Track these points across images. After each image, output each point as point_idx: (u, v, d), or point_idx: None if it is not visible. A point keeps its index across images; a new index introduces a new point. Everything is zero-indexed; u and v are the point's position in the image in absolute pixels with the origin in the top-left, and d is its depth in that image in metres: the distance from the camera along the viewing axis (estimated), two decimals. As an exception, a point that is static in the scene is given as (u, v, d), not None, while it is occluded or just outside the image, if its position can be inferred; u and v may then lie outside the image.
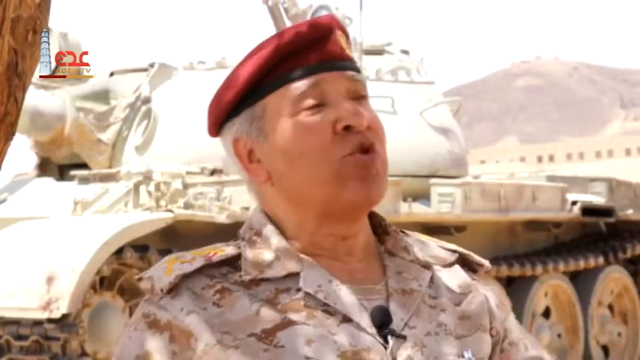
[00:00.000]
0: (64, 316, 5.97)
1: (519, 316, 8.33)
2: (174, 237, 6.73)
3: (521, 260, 8.60)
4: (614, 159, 69.90)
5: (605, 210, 9.27)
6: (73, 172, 7.92)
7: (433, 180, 7.96)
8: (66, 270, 6.00)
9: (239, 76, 1.50)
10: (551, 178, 9.42)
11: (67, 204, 7.11)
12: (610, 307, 9.68)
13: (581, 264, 9.02)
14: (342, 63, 1.50)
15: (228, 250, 1.50)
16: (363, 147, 1.46)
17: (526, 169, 37.03)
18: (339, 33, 1.51)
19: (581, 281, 9.23)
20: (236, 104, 1.52)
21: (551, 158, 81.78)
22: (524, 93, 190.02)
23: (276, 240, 1.49)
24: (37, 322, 6.05)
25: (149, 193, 6.98)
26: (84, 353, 6.19)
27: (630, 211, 9.43)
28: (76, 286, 5.94)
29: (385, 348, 1.43)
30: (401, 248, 1.55)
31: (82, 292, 6.00)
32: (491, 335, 1.57)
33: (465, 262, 1.61)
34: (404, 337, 1.44)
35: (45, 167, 8.65)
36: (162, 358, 1.41)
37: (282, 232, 1.50)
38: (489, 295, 1.60)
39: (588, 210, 9.03)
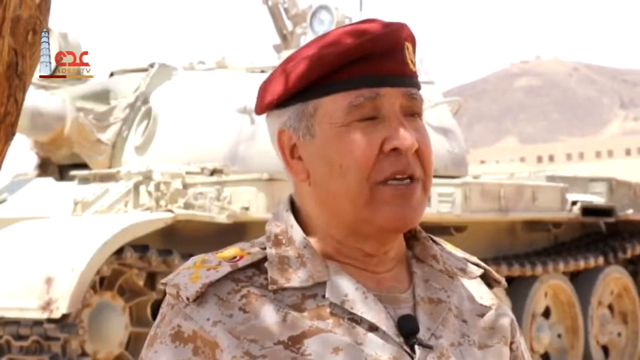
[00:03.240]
0: (64, 317, 5.97)
1: (519, 316, 8.33)
2: (174, 237, 6.73)
3: (521, 260, 8.60)
4: (614, 159, 69.89)
5: (605, 210, 9.27)
6: (73, 172, 7.92)
7: (433, 180, 7.94)
8: (66, 270, 5.99)
9: (298, 69, 1.46)
10: (551, 178, 9.42)
11: (67, 204, 7.11)
12: (610, 307, 9.68)
13: (581, 264, 9.02)
14: (402, 79, 1.47)
15: (253, 253, 1.47)
16: (404, 173, 1.44)
17: (526, 169, 37.02)
18: (407, 45, 1.48)
19: (581, 281, 9.23)
20: (289, 96, 1.48)
21: (551, 158, 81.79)
22: (524, 93, 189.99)
23: (302, 244, 1.47)
24: (37, 323, 6.05)
25: (149, 193, 6.98)
26: (84, 353, 6.19)
27: (630, 211, 9.43)
28: (76, 287, 5.94)
29: (412, 358, 1.43)
30: (430, 256, 1.54)
31: (81, 292, 6.00)
32: (511, 350, 1.57)
33: (482, 277, 1.60)
34: (430, 347, 1.44)
35: (45, 167, 8.65)
36: None
37: (310, 231, 1.48)
38: (509, 311, 1.61)
39: (588, 210, 9.03)
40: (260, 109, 1.53)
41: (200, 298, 1.43)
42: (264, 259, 1.47)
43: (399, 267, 1.51)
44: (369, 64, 1.45)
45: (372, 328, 1.43)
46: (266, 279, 1.45)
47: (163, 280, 1.48)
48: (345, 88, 1.45)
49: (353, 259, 1.48)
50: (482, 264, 1.61)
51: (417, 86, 1.50)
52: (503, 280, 1.62)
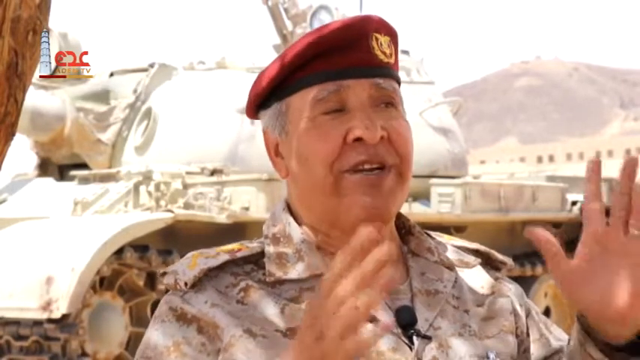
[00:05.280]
0: (64, 317, 5.97)
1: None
2: (174, 237, 6.73)
3: (521, 260, 8.59)
4: (614, 159, 69.90)
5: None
6: (73, 172, 7.93)
7: (433, 180, 7.96)
8: (66, 270, 5.99)
9: (271, 70, 1.50)
10: (551, 178, 9.42)
11: (67, 204, 7.11)
12: (610, 307, 9.68)
13: (581, 264, 9.00)
14: (369, 69, 1.47)
15: (252, 247, 1.49)
16: (371, 162, 1.44)
17: (526, 169, 37.01)
18: (375, 36, 1.48)
19: (581, 281, 9.22)
20: (265, 97, 1.51)
21: (551, 158, 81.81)
22: (524, 93, 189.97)
23: (299, 239, 1.48)
24: (37, 323, 6.05)
25: (149, 193, 6.98)
26: (84, 353, 6.19)
27: (630, 211, 9.41)
28: (76, 287, 5.94)
29: (410, 349, 1.42)
30: (425, 249, 1.54)
31: (81, 292, 6.00)
32: (517, 335, 1.56)
33: (487, 261, 1.60)
34: (429, 338, 1.44)
35: (45, 167, 8.66)
36: (191, 349, 1.40)
37: (304, 227, 1.49)
38: (512, 293, 1.59)
39: (588, 210, 9.02)
40: (249, 113, 1.57)
41: (198, 286, 1.43)
42: (262, 253, 1.48)
43: (394, 261, 1.50)
44: (331, 58, 1.46)
45: (371, 319, 1.43)
46: (264, 274, 1.45)
47: (162, 270, 1.48)
48: (309, 84, 1.47)
49: None
50: (484, 248, 1.60)
51: (389, 75, 1.49)
52: (509, 261, 1.61)
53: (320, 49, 1.46)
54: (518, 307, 1.58)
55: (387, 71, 1.49)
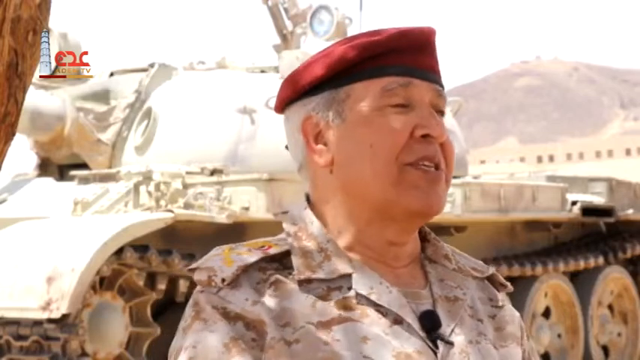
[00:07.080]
0: (64, 317, 5.97)
1: (519, 316, 8.32)
2: (174, 237, 6.73)
3: (521, 260, 8.59)
4: (614, 159, 69.93)
5: (605, 210, 9.27)
6: (73, 172, 7.92)
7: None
8: (66, 270, 5.99)
9: (334, 55, 1.51)
10: (551, 178, 9.41)
11: (67, 204, 7.11)
12: (610, 307, 9.68)
13: (581, 264, 9.01)
14: (432, 74, 1.52)
15: (280, 244, 1.49)
16: (432, 159, 1.48)
17: (526, 169, 37.00)
18: (435, 47, 1.54)
19: (581, 281, 9.22)
20: (322, 82, 1.51)
21: (551, 158, 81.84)
22: (524, 93, 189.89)
23: (325, 239, 1.49)
24: (37, 323, 6.04)
25: (149, 193, 6.97)
26: (84, 353, 6.19)
27: (630, 211, 9.42)
28: (76, 286, 5.94)
29: (435, 352, 1.44)
30: (442, 256, 1.56)
31: (82, 292, 6.00)
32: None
33: (489, 280, 1.62)
34: (452, 344, 1.45)
35: (45, 167, 8.65)
36: (243, 346, 1.40)
37: (328, 225, 1.50)
38: (516, 313, 1.62)
39: (588, 210, 9.03)
40: (281, 104, 1.55)
41: (234, 282, 1.43)
42: (288, 252, 1.48)
43: (413, 265, 1.53)
44: (402, 55, 1.49)
45: (397, 321, 1.44)
46: (290, 273, 1.46)
47: (193, 265, 1.47)
48: (378, 75, 1.49)
49: (372, 250, 1.49)
50: (488, 267, 1.63)
51: (443, 87, 1.54)
52: (509, 285, 1.64)
53: (395, 44, 1.49)
54: (522, 326, 1.61)
55: (442, 82, 1.54)
